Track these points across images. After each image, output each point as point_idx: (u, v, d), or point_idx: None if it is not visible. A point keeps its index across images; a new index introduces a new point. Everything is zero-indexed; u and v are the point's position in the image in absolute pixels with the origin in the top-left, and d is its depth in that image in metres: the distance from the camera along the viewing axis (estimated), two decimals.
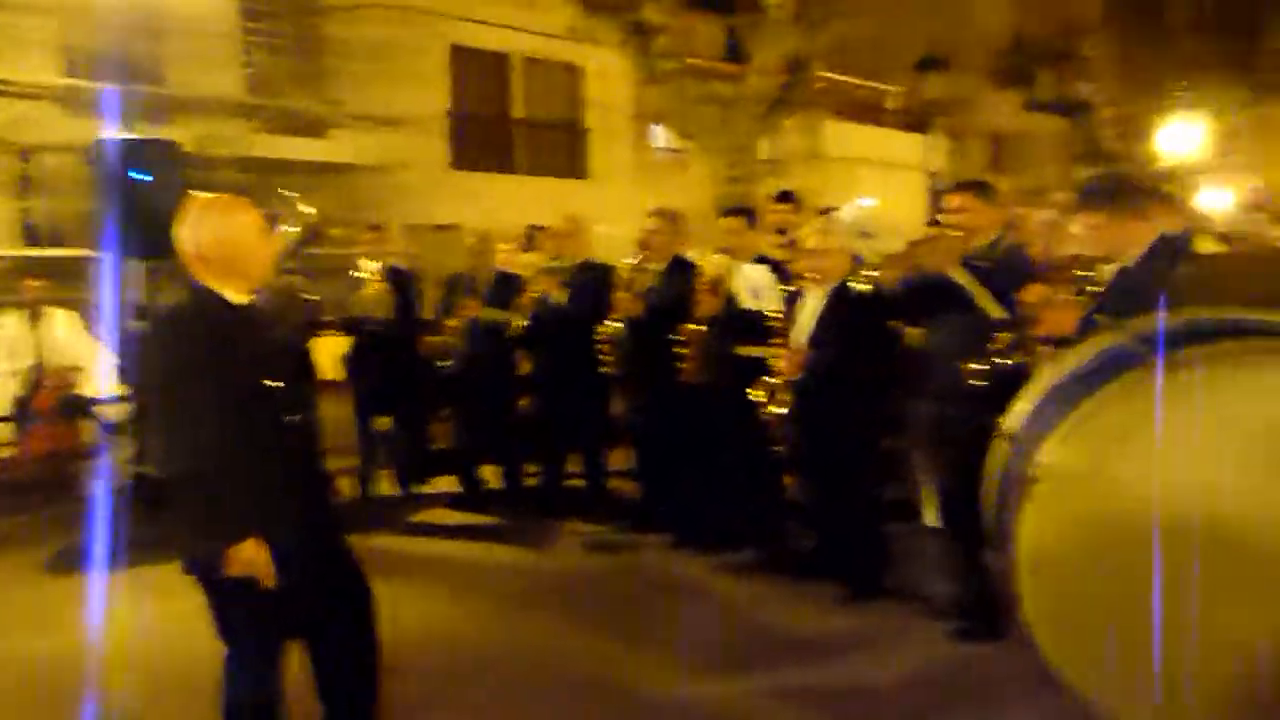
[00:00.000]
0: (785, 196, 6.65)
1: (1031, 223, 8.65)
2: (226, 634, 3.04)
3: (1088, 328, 3.06)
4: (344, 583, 3.23)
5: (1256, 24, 18.52)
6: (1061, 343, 3.49)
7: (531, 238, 7.90)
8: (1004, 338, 3.85)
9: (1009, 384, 4.03)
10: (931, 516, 5.92)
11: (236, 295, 3.03)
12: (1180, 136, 18.49)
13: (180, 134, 11.72)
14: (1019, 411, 1.96)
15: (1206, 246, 6.41)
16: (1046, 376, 1.97)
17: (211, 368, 2.86)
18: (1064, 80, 21.60)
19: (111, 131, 7.62)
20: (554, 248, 6.63)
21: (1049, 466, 1.64)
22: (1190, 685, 1.73)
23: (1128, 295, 3.21)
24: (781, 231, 6.41)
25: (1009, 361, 3.79)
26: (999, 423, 1.99)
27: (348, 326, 7.13)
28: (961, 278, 4.19)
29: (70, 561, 6.05)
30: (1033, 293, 3.62)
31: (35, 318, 7.69)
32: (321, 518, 3.22)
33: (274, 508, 2.95)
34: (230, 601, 2.98)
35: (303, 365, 6.27)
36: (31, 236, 12.42)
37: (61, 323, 7.93)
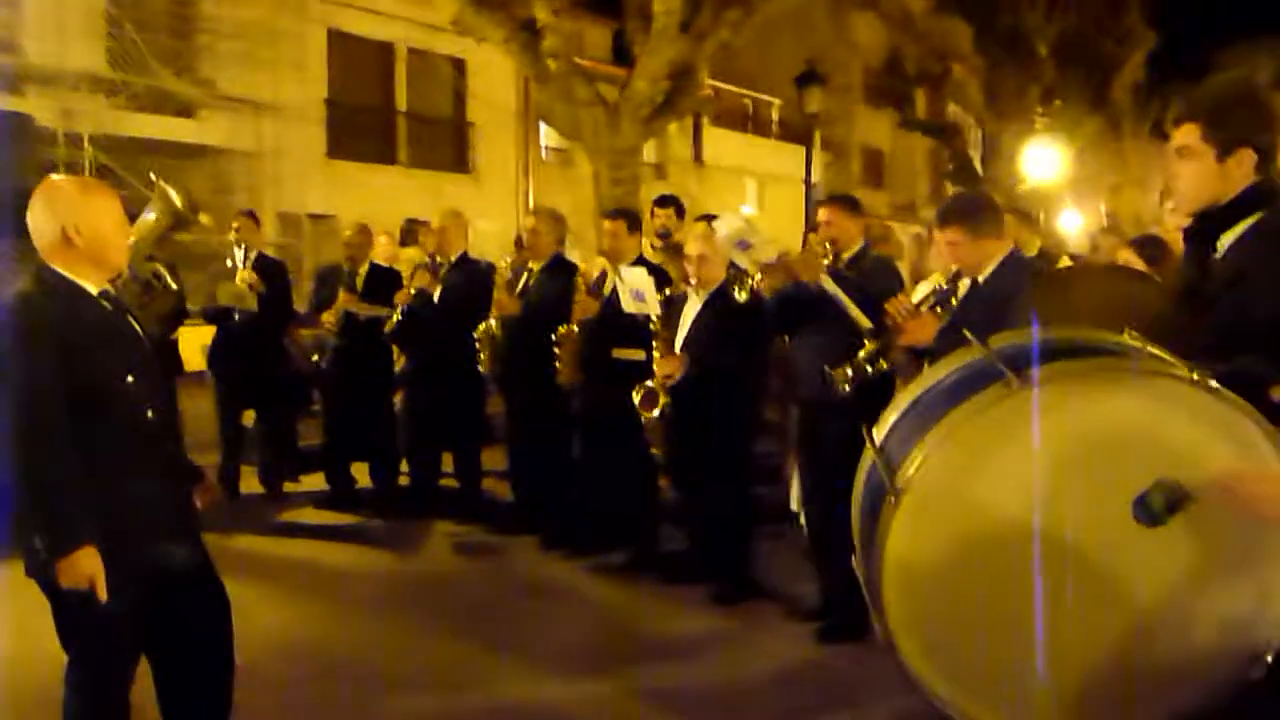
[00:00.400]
0: (666, 200, 6.70)
1: (901, 236, 8.96)
2: (67, 641, 2.87)
3: (945, 340, 3.21)
4: (197, 591, 3.08)
5: (1112, 60, 19.66)
6: (922, 354, 3.65)
7: (410, 232, 7.76)
8: (869, 346, 3.98)
9: (876, 392, 4.18)
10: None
11: (90, 283, 2.87)
12: (1041, 160, 19.44)
13: (36, 107, 11.12)
14: (886, 422, 2.01)
15: (1065, 266, 6.77)
16: (914, 388, 2.02)
17: (56, 359, 2.69)
18: (936, 101, 22.45)
19: None
20: (433, 243, 6.50)
21: (913, 479, 1.69)
22: (1039, 692, 1.81)
23: (980, 310, 3.40)
24: (664, 235, 6.47)
25: (872, 369, 3.94)
26: (867, 431, 2.05)
27: (213, 317, 6.85)
28: (831, 288, 4.30)
29: None
30: (895, 304, 3.77)
31: None
32: (178, 522, 3.07)
33: (121, 511, 2.80)
34: (71, 608, 2.81)
35: (163, 357, 5.99)
36: None
37: None
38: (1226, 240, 2.16)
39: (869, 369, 3.99)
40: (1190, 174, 2.23)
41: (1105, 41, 19.62)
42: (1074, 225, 20.94)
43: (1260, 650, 1.83)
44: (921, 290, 4.53)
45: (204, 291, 7.02)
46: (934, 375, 2.02)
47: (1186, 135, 2.23)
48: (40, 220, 2.82)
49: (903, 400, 2.03)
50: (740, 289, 4.54)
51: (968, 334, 1.89)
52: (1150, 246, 4.13)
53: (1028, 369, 1.70)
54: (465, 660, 4.40)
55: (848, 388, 3.96)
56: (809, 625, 4.65)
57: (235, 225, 6.93)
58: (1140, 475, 1.72)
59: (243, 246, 6.84)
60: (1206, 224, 2.20)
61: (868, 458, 2.01)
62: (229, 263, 6.84)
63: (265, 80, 15.29)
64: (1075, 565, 1.73)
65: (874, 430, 2.04)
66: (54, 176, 2.96)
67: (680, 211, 6.75)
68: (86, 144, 12.66)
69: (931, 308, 3.84)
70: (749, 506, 5.28)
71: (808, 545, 4.94)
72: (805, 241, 6.57)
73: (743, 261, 4.69)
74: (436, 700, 4.02)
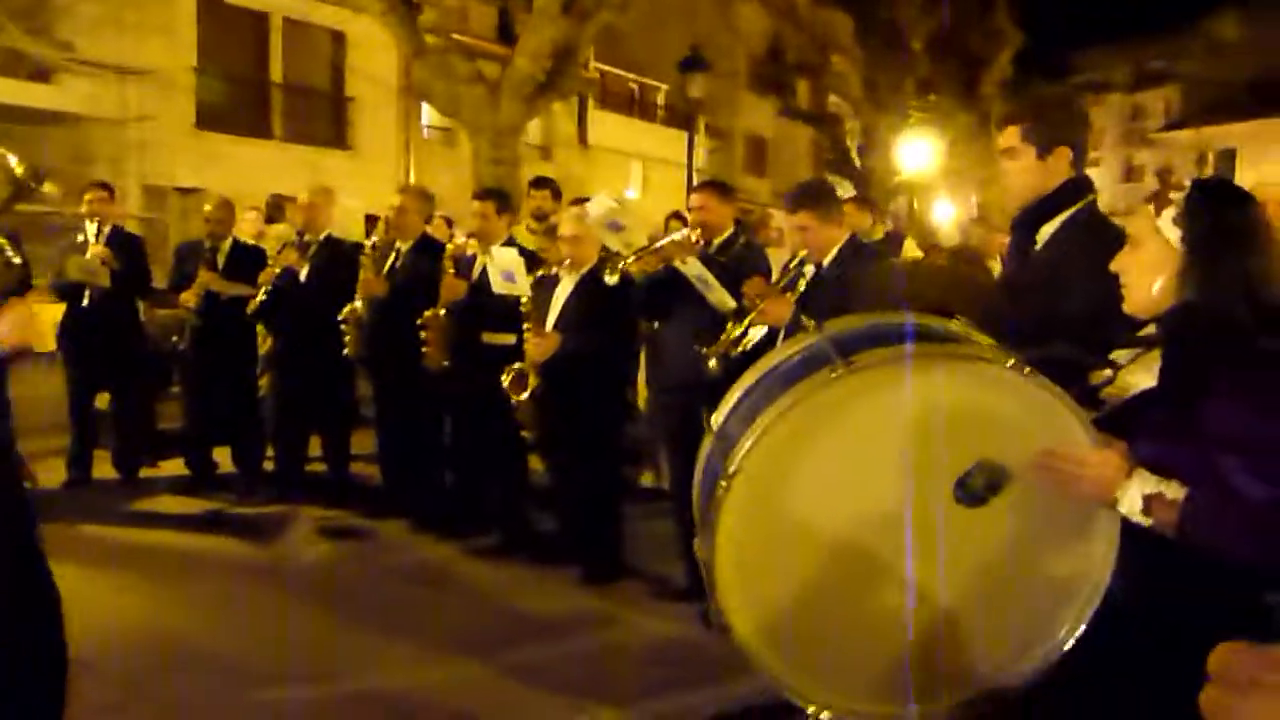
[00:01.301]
0: (542, 182, 6.66)
1: (776, 223, 9.14)
2: None
3: (796, 324, 3.32)
4: (26, 585, 2.92)
5: (982, 57, 20.38)
6: (772, 335, 3.78)
7: (278, 207, 7.52)
8: (734, 327, 4.06)
9: (735, 376, 4.26)
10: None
11: None
12: (916, 152, 20.03)
13: None
14: (728, 404, 2.04)
15: (911, 252, 7.04)
16: (754, 370, 2.06)
17: None
18: (817, 91, 22.88)
19: None
20: (300, 220, 6.31)
21: (744, 462, 1.72)
22: (853, 665, 1.88)
23: (822, 293, 3.57)
24: (540, 218, 6.44)
25: (736, 349, 4.03)
26: (706, 415, 2.09)
27: (63, 293, 6.50)
28: (695, 271, 4.36)
29: None
30: (753, 285, 3.88)
31: None
32: (5, 510, 2.90)
33: None
34: None
35: None
36: None
37: None
38: (1046, 231, 2.32)
39: (735, 349, 4.07)
40: (1015, 171, 2.46)
41: (975, 38, 20.31)
42: (946, 216, 21.69)
43: (1062, 627, 1.93)
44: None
45: (54, 266, 6.66)
46: (775, 358, 2.06)
47: (1011, 137, 2.48)
48: None
49: (745, 381, 2.07)
50: (611, 271, 4.55)
51: (803, 318, 1.94)
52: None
53: (855, 354, 1.75)
54: (334, 648, 4.31)
55: (715, 365, 4.04)
56: (677, 604, 4.72)
57: (88, 198, 6.57)
58: (961, 457, 1.79)
59: (96, 220, 6.50)
60: (1028, 217, 2.37)
61: (707, 441, 2.04)
62: (80, 237, 6.50)
63: (130, 45, 14.57)
64: (898, 545, 1.79)
65: (715, 413, 2.07)
66: None
67: (557, 194, 6.73)
68: None
69: (783, 290, 3.98)
70: (618, 487, 5.33)
71: (676, 527, 5.00)
72: (666, 226, 6.64)
73: (614, 244, 4.71)
74: (304, 690, 3.91)
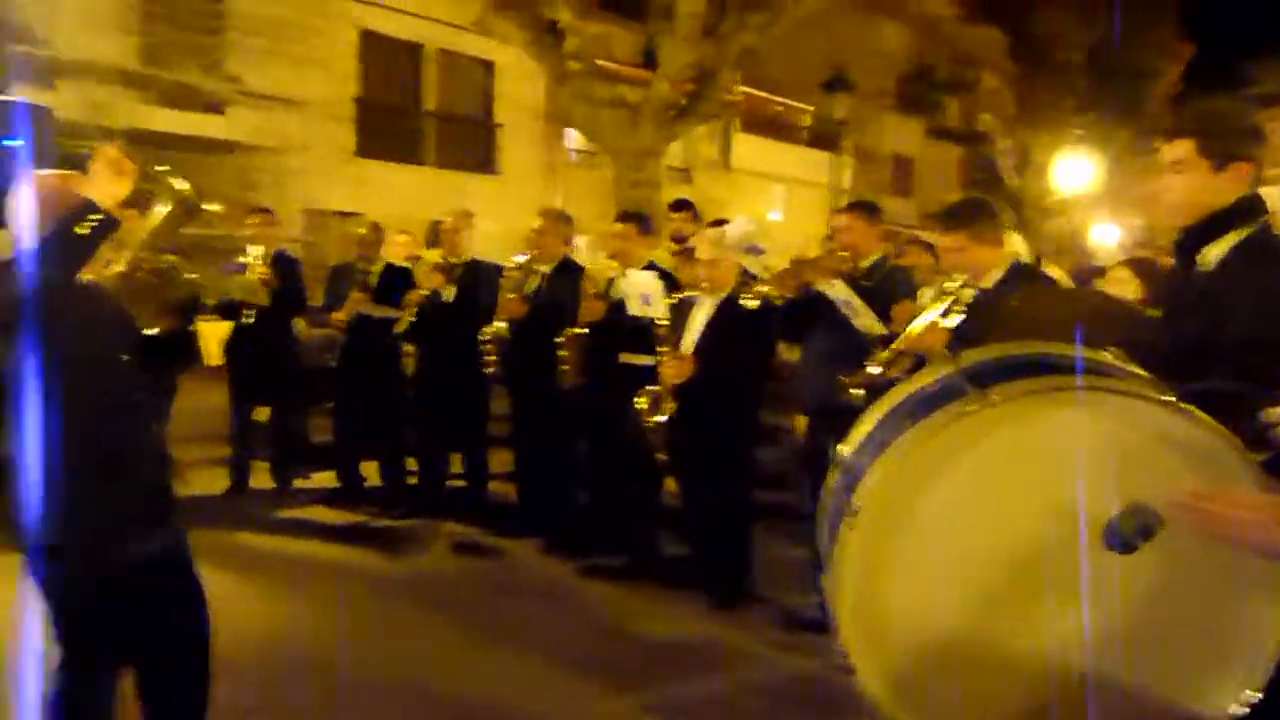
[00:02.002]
0: (681, 204, 6.67)
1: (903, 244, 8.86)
2: (58, 636, 2.87)
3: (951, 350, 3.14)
4: (176, 585, 3.08)
5: (1147, 69, 19.40)
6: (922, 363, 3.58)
7: (437, 232, 7.76)
8: (881, 355, 3.90)
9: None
10: None
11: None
12: (1074, 171, 19.20)
13: (65, 100, 11.26)
14: (857, 437, 1.96)
15: (1062, 279, 6.68)
16: (886, 401, 1.98)
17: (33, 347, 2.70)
18: (966, 109, 22.24)
19: None
20: (445, 243, 6.50)
21: (869, 497, 1.64)
22: (990, 711, 1.76)
23: (978, 321, 3.33)
24: (679, 239, 6.43)
25: (883, 376, 3.85)
26: (834, 447, 2.01)
27: (225, 310, 6.88)
28: (839, 294, 4.24)
29: None
30: (903, 310, 3.70)
31: None
32: (158, 510, 3.07)
33: (111, 491, 2.81)
34: (62, 603, 2.82)
35: (181, 348, 6.02)
36: None
37: None
38: (1213, 253, 2.13)
39: (880, 378, 3.90)
40: (1182, 187, 2.25)
41: (1140, 50, 19.33)
42: (1109, 238, 20.70)
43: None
44: (926, 297, 4.47)
45: (219, 286, 7.05)
46: (907, 388, 1.97)
47: (1182, 149, 2.26)
48: (24, 212, 2.83)
49: (875, 414, 1.98)
50: (749, 295, 4.49)
51: (942, 349, 1.85)
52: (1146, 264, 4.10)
53: (991, 385, 1.65)
54: (462, 661, 4.38)
55: (859, 395, 3.87)
56: (806, 636, 4.60)
57: (250, 221, 6.96)
58: (1107, 499, 1.66)
59: (258, 242, 6.85)
60: (1193, 236, 2.18)
61: (835, 474, 1.97)
62: (242, 258, 6.87)
63: (293, 77, 15.40)
64: (1033, 591, 1.67)
65: (844, 444, 1.99)
66: (43, 171, 2.97)
67: (696, 216, 6.71)
68: (117, 138, 12.80)
69: (942, 315, 3.78)
70: (749, 512, 5.24)
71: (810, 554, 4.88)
72: (821, 249, 6.51)
73: (753, 267, 4.65)
74: (432, 700, 3.99)
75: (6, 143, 6.26)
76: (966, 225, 3.75)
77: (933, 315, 3.74)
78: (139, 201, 5.64)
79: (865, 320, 4.21)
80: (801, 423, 6.29)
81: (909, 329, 3.65)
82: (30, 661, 3.54)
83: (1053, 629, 1.70)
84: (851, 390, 3.83)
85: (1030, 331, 1.99)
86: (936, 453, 1.66)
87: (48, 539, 2.77)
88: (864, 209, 4.72)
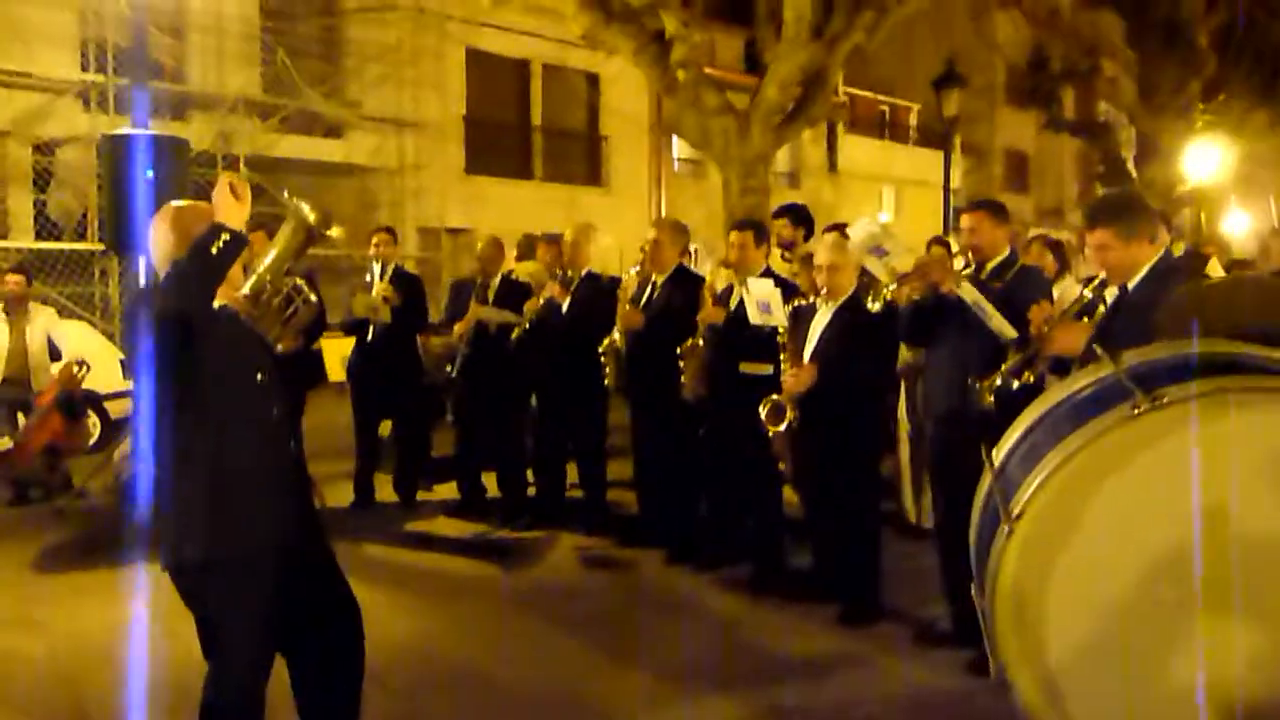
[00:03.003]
0: (782, 211, 6.58)
1: (1025, 242, 8.57)
2: (209, 647, 2.98)
3: (1091, 354, 2.98)
4: (329, 593, 3.17)
5: None
6: (1061, 365, 3.41)
7: (530, 246, 7.85)
8: (1014, 356, 3.75)
9: (1014, 409, 3.95)
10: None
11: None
12: (1202, 159, 18.30)
13: (198, 131, 11.83)
14: (1008, 441, 1.87)
15: (1215, 272, 6.31)
16: (1039, 405, 1.88)
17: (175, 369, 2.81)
18: (1085, 100, 21.43)
19: (125, 127, 7.61)
20: (548, 257, 6.56)
21: (1028, 506, 1.56)
22: None
23: (1127, 320, 3.14)
24: (787, 246, 6.35)
25: (1018, 381, 3.69)
26: (986, 452, 1.91)
27: (350, 328, 7.09)
28: (971, 296, 4.10)
29: (63, 558, 6.03)
30: (1040, 311, 3.53)
31: (13, 313, 7.56)
32: (306, 520, 3.17)
33: (253, 503, 2.91)
34: (216, 612, 2.92)
35: (306, 367, 6.23)
36: (46, 230, 12.47)
37: (45, 318, 7.85)
38: None
39: (1015, 381, 3.75)
40: None
41: (1273, 31, 18.28)
42: (1241, 227, 19.65)
43: None
44: (1065, 293, 4.29)
45: (343, 304, 7.29)
46: (1062, 391, 1.88)
47: None
48: (162, 239, 2.95)
49: (1027, 418, 1.89)
50: (874, 298, 4.38)
51: (1098, 349, 1.74)
52: None
53: (1161, 388, 1.55)
54: (590, 673, 4.39)
55: (991, 399, 3.73)
56: (940, 650, 4.46)
57: (375, 241, 7.16)
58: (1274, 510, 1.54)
59: (381, 261, 7.06)
60: None
61: (986, 479, 1.88)
62: (368, 277, 7.08)
63: (407, 99, 15.85)
64: (1195, 602, 1.56)
65: (996, 448, 1.90)
66: (177, 202, 3.11)
67: (798, 220, 6.60)
68: (242, 165, 13.37)
69: (1078, 316, 3.61)
70: (877, 523, 5.11)
71: (940, 566, 4.73)
72: (927, 252, 6.32)
73: (877, 269, 4.54)
74: (561, 710, 4.02)
75: (143, 173, 6.58)
76: (1112, 221, 3.52)
77: (1070, 315, 3.58)
78: (265, 226, 5.86)
79: (997, 323, 4.05)
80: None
81: (1047, 331, 3.47)
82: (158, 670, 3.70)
83: (1214, 645, 1.58)
84: (986, 395, 3.70)
85: (1194, 329, 1.87)
86: (1101, 457, 1.57)
87: (197, 555, 2.87)
88: (991, 208, 4.55)
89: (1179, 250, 6.07)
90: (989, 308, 4.06)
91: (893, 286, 4.31)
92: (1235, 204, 20.77)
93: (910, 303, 4.37)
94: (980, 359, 4.13)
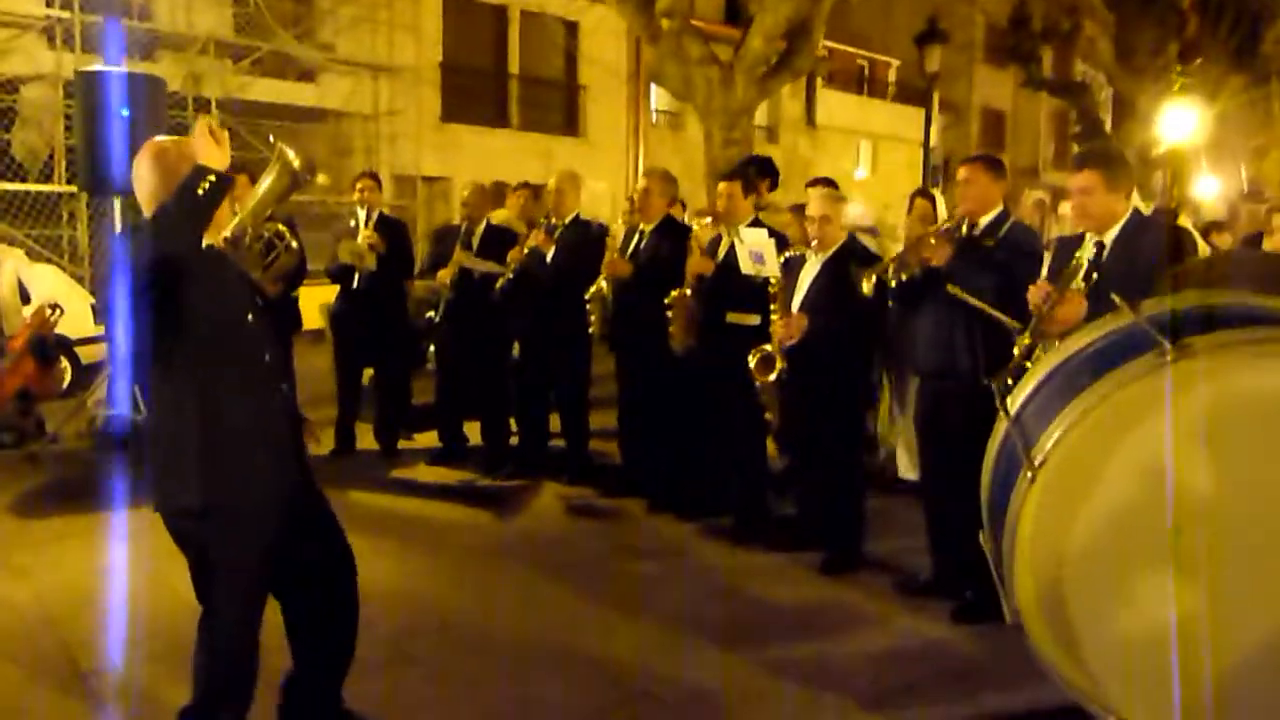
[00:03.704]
0: (747, 162, 6.54)
1: (1026, 202, 8.60)
2: (203, 591, 2.97)
3: (1092, 311, 2.99)
4: (322, 537, 3.17)
5: (1262, 11, 18.38)
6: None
7: (499, 194, 7.78)
8: (1023, 340, 3.68)
9: (1002, 362, 3.98)
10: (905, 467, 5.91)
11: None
12: (1178, 122, 18.37)
13: (166, 71, 11.53)
14: (1022, 392, 1.88)
15: (1187, 229, 6.38)
16: (1052, 356, 1.89)
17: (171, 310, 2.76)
18: (1063, 59, 21.42)
19: (96, 65, 7.41)
20: (519, 205, 6.49)
21: (1051, 453, 1.56)
22: (1197, 684, 1.67)
23: (1112, 272, 3.17)
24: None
25: (1030, 363, 3.65)
26: (1000, 400, 1.92)
27: (336, 275, 7.00)
28: (966, 298, 4.10)
29: (41, 503, 5.97)
30: (1037, 291, 3.52)
31: None
32: (298, 464, 3.15)
33: (247, 447, 2.88)
34: (212, 558, 2.91)
35: (284, 313, 6.15)
36: (10, 171, 12.17)
37: (14, 261, 7.70)
38: None
39: (1027, 364, 3.72)
40: None
41: None
42: (1211, 191, 19.81)
43: None
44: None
45: (326, 251, 7.19)
46: (1075, 343, 1.89)
47: None
48: (147, 176, 2.89)
49: (1040, 369, 1.91)
50: (866, 279, 4.37)
51: (1117, 299, 1.75)
52: None
53: (1188, 337, 1.56)
54: (575, 621, 4.42)
55: (1011, 382, 3.68)
56: (922, 600, 4.53)
57: (359, 186, 7.04)
58: None
59: (365, 207, 6.95)
60: None
61: (1001, 428, 1.89)
62: (352, 223, 6.98)
63: (382, 44, 15.54)
64: (1233, 553, 1.58)
65: (1011, 397, 1.91)
66: (160, 137, 3.04)
67: (762, 171, 6.57)
68: (213, 108, 13.09)
69: (1051, 278, 3.62)
70: (862, 475, 5.16)
71: (924, 517, 4.80)
72: (911, 206, 6.31)
73: (871, 245, 4.53)
74: (549, 656, 4.04)
75: (118, 112, 6.42)
76: (1101, 166, 3.58)
77: (1063, 288, 3.56)
78: (247, 169, 5.75)
79: (991, 314, 4.05)
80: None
81: (1048, 311, 3.42)
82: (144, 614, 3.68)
83: (1248, 597, 1.61)
84: (1001, 389, 3.62)
85: (1205, 282, 1.88)
86: (1129, 405, 1.58)
87: (192, 502, 2.84)
88: (987, 162, 4.53)
89: (1147, 210, 6.12)
90: (985, 308, 4.07)
91: (890, 268, 4.33)
92: (1206, 168, 20.91)
93: (903, 280, 4.39)
94: (965, 320, 4.18)
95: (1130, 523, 1.63)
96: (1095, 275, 3.28)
